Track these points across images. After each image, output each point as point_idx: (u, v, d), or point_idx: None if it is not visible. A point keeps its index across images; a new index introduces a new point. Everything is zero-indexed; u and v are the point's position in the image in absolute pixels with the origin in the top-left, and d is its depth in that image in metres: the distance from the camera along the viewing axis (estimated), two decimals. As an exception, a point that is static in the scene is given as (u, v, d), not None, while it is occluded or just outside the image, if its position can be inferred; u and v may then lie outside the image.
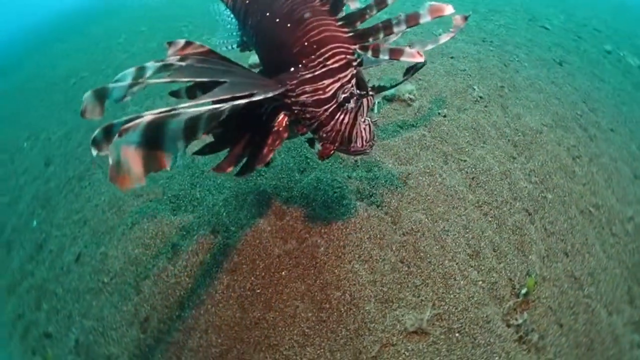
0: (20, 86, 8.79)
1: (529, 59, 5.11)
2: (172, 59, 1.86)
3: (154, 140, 1.45)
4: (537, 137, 3.67)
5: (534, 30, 6.16)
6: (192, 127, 1.56)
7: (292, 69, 2.00)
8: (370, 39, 1.91)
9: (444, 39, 2.13)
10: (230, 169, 2.07)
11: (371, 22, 1.90)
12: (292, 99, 2.00)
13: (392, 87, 2.39)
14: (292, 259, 2.64)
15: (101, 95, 1.51)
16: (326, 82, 1.95)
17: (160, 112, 1.40)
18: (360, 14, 1.94)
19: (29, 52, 11.27)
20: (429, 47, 2.18)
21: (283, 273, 2.60)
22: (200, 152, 2.15)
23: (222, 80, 1.75)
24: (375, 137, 2.10)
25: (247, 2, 2.38)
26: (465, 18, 2.07)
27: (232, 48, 2.74)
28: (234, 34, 2.74)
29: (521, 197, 3.10)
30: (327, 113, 1.98)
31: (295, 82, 1.97)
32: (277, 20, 2.10)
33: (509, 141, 3.56)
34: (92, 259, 3.20)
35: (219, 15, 2.80)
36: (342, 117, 1.98)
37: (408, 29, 1.94)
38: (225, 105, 1.60)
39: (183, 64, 1.82)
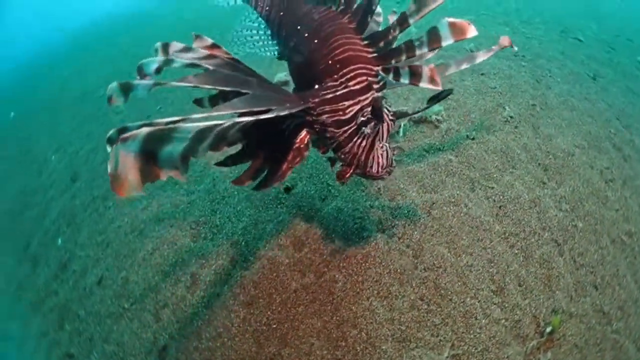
0: (49, 97, 8.97)
1: (562, 74, 4.93)
2: (200, 55, 1.87)
3: (151, 152, 1.46)
4: (569, 159, 3.53)
5: (566, 43, 5.95)
6: (193, 145, 1.56)
7: (317, 86, 2.00)
8: (393, 61, 1.87)
9: (482, 57, 2.07)
10: (248, 183, 2.08)
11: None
12: (314, 117, 1.99)
13: (414, 113, 2.34)
14: (309, 294, 2.60)
15: (126, 88, 1.58)
16: (346, 103, 1.93)
17: (162, 125, 1.41)
18: (384, 34, 1.92)
19: (58, 62, 11.46)
20: (464, 65, 2.12)
21: (299, 308, 2.56)
22: (222, 163, 2.14)
23: (244, 91, 1.75)
24: (393, 163, 2.05)
25: (282, 13, 2.41)
26: (511, 44, 2.01)
27: (274, 54, 2.72)
28: (269, 42, 2.71)
29: (550, 227, 2.98)
30: (345, 135, 1.96)
31: (317, 100, 1.96)
32: (307, 35, 2.11)
33: (539, 165, 3.43)
34: (114, 283, 3.23)
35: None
36: (359, 140, 1.96)
37: (431, 52, 1.88)
38: (230, 122, 1.59)
39: (210, 67, 1.83)
